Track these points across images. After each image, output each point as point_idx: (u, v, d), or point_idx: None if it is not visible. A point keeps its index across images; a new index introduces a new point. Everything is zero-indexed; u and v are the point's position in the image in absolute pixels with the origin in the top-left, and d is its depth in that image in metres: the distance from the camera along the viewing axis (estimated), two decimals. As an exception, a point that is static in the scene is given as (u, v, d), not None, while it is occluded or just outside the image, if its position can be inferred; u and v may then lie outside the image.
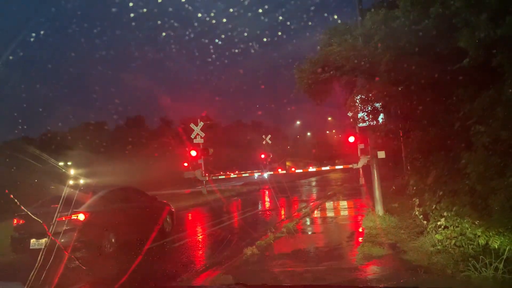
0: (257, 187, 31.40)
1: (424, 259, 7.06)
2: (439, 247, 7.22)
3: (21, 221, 9.61)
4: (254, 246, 8.87)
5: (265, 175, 33.98)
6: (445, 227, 7.38)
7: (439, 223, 7.63)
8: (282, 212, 17.07)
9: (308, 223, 13.15)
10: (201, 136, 25.67)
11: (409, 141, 11.02)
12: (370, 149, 12.35)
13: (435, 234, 7.55)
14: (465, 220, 6.84)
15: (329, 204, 17.89)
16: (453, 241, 6.97)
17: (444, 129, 8.54)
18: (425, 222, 8.72)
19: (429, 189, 9.15)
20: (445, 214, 7.55)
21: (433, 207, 8.26)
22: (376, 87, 9.24)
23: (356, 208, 15.69)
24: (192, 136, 25.75)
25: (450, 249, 6.95)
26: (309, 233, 11.75)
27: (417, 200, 9.64)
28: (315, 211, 15.51)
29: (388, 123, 10.38)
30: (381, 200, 11.77)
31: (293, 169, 30.75)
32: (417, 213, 9.54)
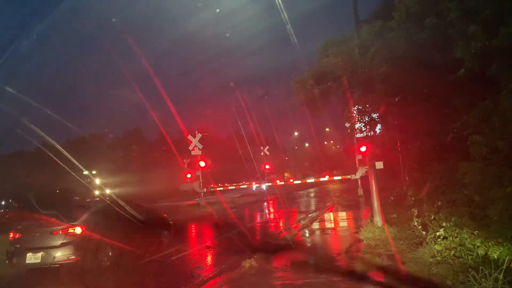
0: (256, 198, 31.30)
1: (423, 270, 7.01)
2: (438, 258, 7.18)
3: (17, 235, 9.51)
4: (252, 258, 8.80)
5: (263, 186, 33.98)
6: (444, 237, 7.36)
7: (438, 233, 7.61)
8: (281, 224, 16.97)
9: (307, 234, 13.07)
10: (199, 148, 25.68)
11: (406, 152, 11.06)
12: (368, 160, 12.35)
13: (434, 245, 7.52)
14: (464, 231, 6.83)
15: (327, 215, 17.82)
16: (452, 252, 6.94)
17: (441, 140, 8.58)
18: (424, 232, 8.70)
19: (427, 199, 9.14)
20: (444, 224, 7.54)
21: (432, 218, 8.25)
22: (373, 98, 9.29)
23: (354, 219, 15.62)
24: (190, 148, 25.76)
25: (449, 260, 6.91)
26: (308, 244, 11.67)
27: (416, 210, 9.62)
28: (314, 223, 15.43)
29: (386, 133, 10.42)
30: (379, 210, 11.73)
31: (291, 180, 30.78)
32: (416, 223, 9.51)
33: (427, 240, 8.10)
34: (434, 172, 9.01)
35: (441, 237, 7.44)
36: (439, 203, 8.14)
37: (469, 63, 6.74)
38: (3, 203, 26.74)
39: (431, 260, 7.32)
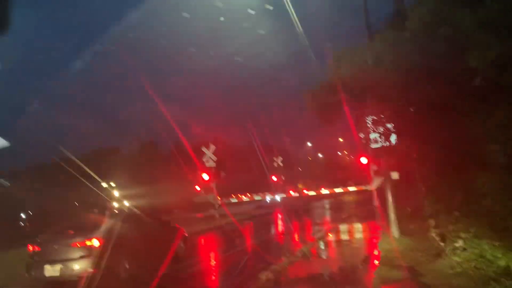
0: (270, 210, 31.16)
1: (443, 282, 6.89)
2: (458, 269, 7.05)
3: (36, 248, 9.63)
4: (268, 270, 8.77)
5: (278, 198, 33.87)
6: (464, 249, 7.24)
7: (457, 244, 7.49)
8: (296, 236, 16.87)
9: (323, 246, 12.97)
10: (213, 160, 25.76)
11: (423, 162, 10.94)
12: (384, 171, 12.25)
13: (454, 256, 7.40)
14: (484, 242, 6.72)
15: (343, 227, 17.60)
16: (473, 264, 6.82)
17: (458, 149, 8.49)
18: (442, 244, 8.57)
19: (445, 210, 9.03)
20: (462, 235, 7.43)
21: (450, 229, 8.14)
22: (387, 108, 9.27)
23: (371, 231, 15.44)
24: (204, 160, 25.85)
25: (469, 272, 6.78)
26: (324, 257, 11.58)
27: (433, 221, 9.50)
28: (330, 234, 15.29)
29: (401, 144, 10.34)
30: (396, 222, 11.58)
31: (305, 191, 30.64)
32: (433, 234, 9.39)
33: (446, 251, 7.97)
34: (452, 182, 8.91)
35: (461, 249, 7.33)
36: (458, 214, 8.04)
37: (484, 72, 6.70)
38: (23, 215, 27.15)
39: (450, 272, 7.19)
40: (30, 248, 9.72)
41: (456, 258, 7.21)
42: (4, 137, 2.45)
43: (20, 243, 12.26)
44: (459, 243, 7.39)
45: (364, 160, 14.62)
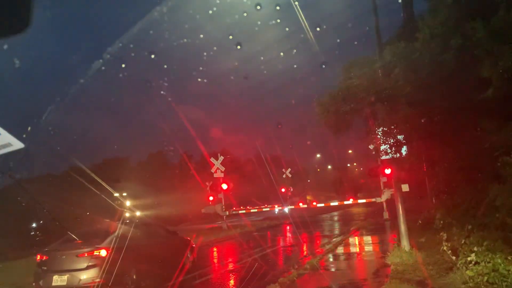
0: (278, 222, 30.96)
1: (455, 297, 6.75)
2: (470, 284, 6.90)
3: (44, 257, 9.63)
4: (276, 283, 8.66)
5: (286, 209, 33.65)
6: (476, 262, 7.09)
7: (469, 258, 7.33)
8: (304, 248, 16.70)
9: (332, 259, 12.81)
10: (221, 171, 25.76)
11: (434, 174, 10.81)
12: (394, 182, 12.10)
13: (466, 270, 7.23)
14: (498, 255, 6.57)
15: (352, 240, 17.46)
16: (485, 278, 6.66)
17: (470, 161, 8.37)
18: (454, 257, 8.40)
19: (457, 223, 8.88)
20: (475, 249, 7.28)
21: (462, 242, 7.98)
22: (397, 119, 9.18)
23: (381, 244, 15.26)
24: (212, 170, 25.86)
25: (482, 286, 6.63)
26: (333, 269, 11.42)
27: (445, 234, 9.33)
28: (339, 247, 15.13)
29: (412, 155, 10.22)
30: (407, 234, 11.39)
31: (314, 203, 30.40)
32: (445, 248, 9.21)
33: (458, 265, 7.81)
34: (464, 195, 8.77)
35: (473, 262, 7.17)
36: (470, 227, 7.88)
37: (497, 83, 6.62)
38: (34, 225, 27.29)
39: (462, 286, 7.04)
40: (38, 257, 9.73)
41: (469, 273, 7.05)
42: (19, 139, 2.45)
43: (30, 252, 12.29)
44: (472, 257, 7.23)
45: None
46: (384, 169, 13.31)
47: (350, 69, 10.71)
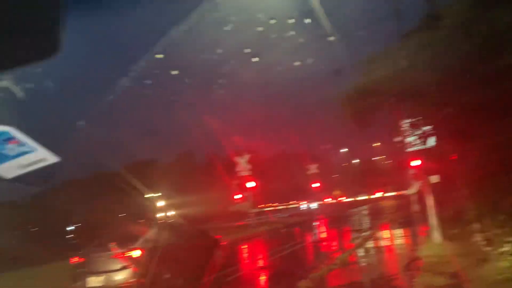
0: (306, 218, 30.93)
1: (491, 288, 6.62)
2: (506, 275, 6.75)
3: (80, 259, 9.96)
4: (307, 279, 8.68)
5: (313, 205, 33.58)
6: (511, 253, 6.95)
7: (504, 249, 7.19)
8: (334, 243, 16.66)
9: (362, 253, 12.72)
10: (248, 169, 25.94)
11: (464, 164, 10.58)
12: (423, 174, 11.92)
13: (501, 261, 7.09)
14: (533, 245, 6.43)
15: (383, 233, 17.28)
16: (522, 268, 6.52)
17: (501, 149, 8.18)
18: (488, 248, 8.24)
19: (489, 213, 8.69)
20: (510, 239, 7.12)
21: (496, 232, 7.82)
22: (424, 110, 9.06)
23: (412, 236, 15.06)
24: (239, 169, 26.07)
25: (518, 277, 6.49)
26: (364, 264, 11.35)
27: (478, 225, 9.14)
28: (369, 241, 15.00)
29: (440, 146, 10.05)
30: (438, 226, 11.24)
31: (342, 198, 30.23)
32: (478, 239, 9.04)
33: (492, 256, 7.66)
34: (496, 184, 8.57)
35: (508, 253, 7.02)
36: (503, 217, 7.71)
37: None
38: (71, 228, 28.20)
39: (498, 277, 6.89)
40: (75, 259, 10.06)
41: (504, 263, 6.91)
42: (53, 152, 2.60)
43: (66, 255, 12.72)
44: (507, 247, 7.09)
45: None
46: (412, 161, 13.13)
47: (373, 60, 10.59)
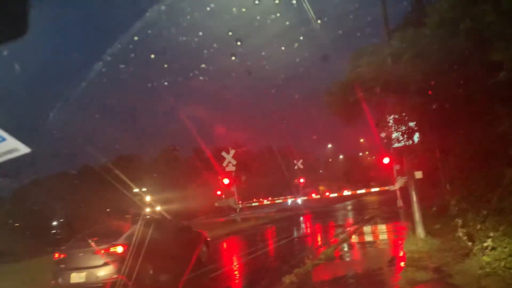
0: (291, 213, 31.03)
1: (472, 282, 6.70)
2: (487, 269, 6.85)
3: (62, 255, 9.79)
4: (292, 274, 8.69)
5: (299, 200, 33.68)
6: (493, 248, 7.03)
7: (485, 244, 7.28)
8: (319, 238, 16.73)
9: (346, 248, 12.81)
10: (233, 164, 25.86)
11: (447, 160, 10.70)
12: (407, 170, 12.00)
13: (482, 256, 7.19)
14: (515, 240, 6.52)
15: (367, 229, 17.42)
16: (503, 263, 6.61)
17: (483, 146, 8.27)
18: (470, 243, 8.35)
19: (472, 208, 8.80)
20: (491, 234, 7.22)
21: (478, 227, 7.92)
22: (408, 106, 9.09)
23: (395, 232, 15.21)
24: (224, 164, 25.97)
25: (500, 272, 6.58)
26: (348, 259, 11.43)
27: (460, 220, 9.26)
28: (353, 236, 15.12)
29: (424, 142, 10.12)
30: (421, 222, 11.33)
31: (327, 193, 30.36)
32: (461, 234, 9.15)
33: (474, 251, 7.76)
34: (478, 180, 8.68)
35: (490, 248, 7.12)
36: (485, 212, 7.81)
37: (509, 66, 6.51)
38: (54, 224, 27.82)
39: (479, 272, 6.99)
40: (56, 255, 9.89)
41: (485, 258, 7.00)
42: (26, 143, 2.46)
43: (49, 251, 12.50)
44: (488, 242, 7.18)
45: (386, 160, 14.38)
46: (396, 157, 13.24)
47: (358, 57, 10.60)
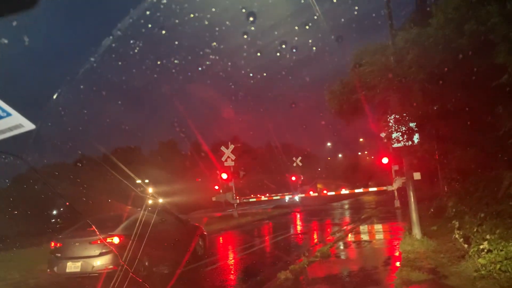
0: (289, 210, 31.06)
1: (467, 284, 6.71)
2: (483, 272, 6.85)
3: (58, 244, 9.79)
4: (287, 270, 8.70)
5: (296, 198, 33.75)
6: (489, 250, 7.03)
7: (481, 246, 7.28)
8: (315, 236, 16.74)
9: (342, 247, 12.82)
10: (231, 159, 25.84)
11: (446, 162, 10.69)
12: (405, 171, 12.00)
13: (478, 258, 7.19)
14: (510, 243, 6.51)
15: (363, 228, 17.43)
16: (498, 266, 6.61)
17: (483, 149, 8.26)
18: (466, 245, 8.36)
19: (469, 210, 8.80)
20: (487, 237, 7.22)
21: (475, 230, 7.92)
22: (410, 107, 9.07)
23: (392, 232, 15.22)
24: (223, 159, 25.95)
25: (495, 274, 6.58)
26: (344, 257, 11.44)
27: (457, 222, 9.26)
28: (349, 235, 15.13)
29: (424, 143, 10.10)
30: (418, 223, 11.33)
31: (325, 191, 30.40)
32: (457, 236, 9.15)
33: (470, 253, 7.76)
34: (476, 182, 8.68)
35: (485, 250, 7.11)
36: (482, 215, 7.82)
37: (512, 69, 6.50)
38: (54, 212, 27.76)
39: (475, 274, 6.99)
40: (52, 244, 9.89)
41: (481, 261, 7.00)
42: (32, 120, 2.41)
43: (47, 239, 12.47)
44: (484, 245, 7.18)
45: (385, 160, 14.36)
46: (396, 158, 13.22)
47: (361, 56, 10.57)
